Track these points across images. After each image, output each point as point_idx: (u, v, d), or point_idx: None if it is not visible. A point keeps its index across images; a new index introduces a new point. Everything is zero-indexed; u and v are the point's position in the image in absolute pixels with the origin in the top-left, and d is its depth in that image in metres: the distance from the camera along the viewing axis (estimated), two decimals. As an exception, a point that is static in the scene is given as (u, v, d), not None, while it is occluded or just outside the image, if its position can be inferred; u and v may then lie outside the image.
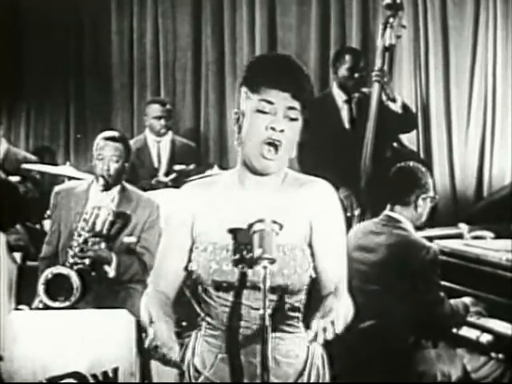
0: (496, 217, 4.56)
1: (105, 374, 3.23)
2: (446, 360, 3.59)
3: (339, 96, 5.19)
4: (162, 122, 5.91)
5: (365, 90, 5.18)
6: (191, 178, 4.41)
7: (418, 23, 5.92)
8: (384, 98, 5.00)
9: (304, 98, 2.15)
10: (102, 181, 4.12)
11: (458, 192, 5.81)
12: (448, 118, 5.86)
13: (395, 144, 5.14)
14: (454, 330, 3.70)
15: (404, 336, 3.58)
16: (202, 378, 2.21)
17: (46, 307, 3.93)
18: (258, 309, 2.10)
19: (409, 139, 5.60)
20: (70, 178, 4.98)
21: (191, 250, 2.21)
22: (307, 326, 2.06)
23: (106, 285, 4.09)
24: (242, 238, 2.15)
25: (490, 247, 3.92)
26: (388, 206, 3.77)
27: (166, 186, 5.54)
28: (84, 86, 7.36)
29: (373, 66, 5.05)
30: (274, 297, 2.15)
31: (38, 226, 5.44)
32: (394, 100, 5.02)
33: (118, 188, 4.19)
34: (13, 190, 5.06)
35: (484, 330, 3.68)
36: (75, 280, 3.94)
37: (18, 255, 4.72)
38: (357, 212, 4.96)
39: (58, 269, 3.98)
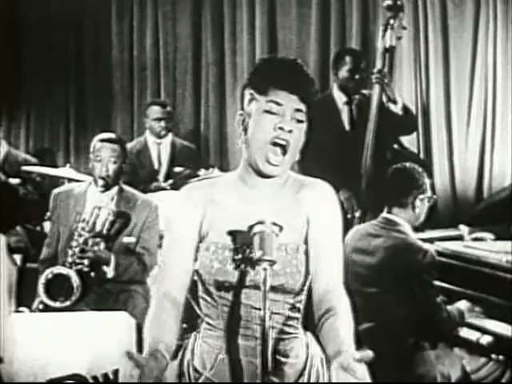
0: (496, 218, 4.55)
1: (105, 375, 3.23)
2: (445, 361, 3.58)
3: (339, 98, 5.18)
4: (163, 123, 5.91)
5: (365, 91, 5.17)
6: (192, 180, 4.40)
7: (418, 24, 5.91)
8: (384, 99, 4.99)
9: (310, 101, 2.16)
10: (101, 182, 4.12)
11: (458, 193, 5.79)
12: (448, 119, 5.85)
13: (396, 145, 5.13)
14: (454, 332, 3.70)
15: (403, 338, 3.57)
16: (202, 378, 2.22)
17: (47, 307, 3.94)
18: (259, 308, 2.10)
19: (409, 140, 5.58)
20: (71, 180, 4.98)
21: (197, 250, 2.21)
22: (306, 327, 2.06)
23: (105, 286, 4.10)
24: (242, 240, 2.15)
25: (491, 249, 3.91)
26: (386, 208, 3.75)
27: (165, 190, 5.53)
28: (84, 88, 7.37)
29: (373, 68, 5.04)
30: (274, 297, 2.15)
31: (38, 228, 5.43)
32: (394, 101, 5.01)
33: (116, 189, 4.19)
34: (13, 192, 5.06)
35: (484, 331, 3.67)
36: (75, 280, 3.95)
37: (18, 257, 4.72)
38: (357, 214, 4.95)
39: (58, 269, 4.00)
